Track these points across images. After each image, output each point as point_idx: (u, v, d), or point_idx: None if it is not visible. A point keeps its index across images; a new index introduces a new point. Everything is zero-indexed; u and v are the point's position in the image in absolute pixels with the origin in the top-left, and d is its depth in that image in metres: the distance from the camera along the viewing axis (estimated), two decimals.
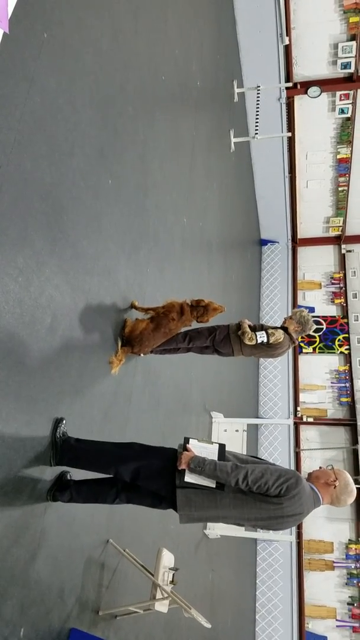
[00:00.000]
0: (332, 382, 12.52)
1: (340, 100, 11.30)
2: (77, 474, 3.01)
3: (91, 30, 3.45)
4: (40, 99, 2.74)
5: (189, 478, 2.59)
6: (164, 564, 3.65)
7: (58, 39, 2.96)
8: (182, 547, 5.34)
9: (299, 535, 10.59)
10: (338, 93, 11.20)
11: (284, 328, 4.40)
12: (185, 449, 2.75)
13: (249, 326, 4.36)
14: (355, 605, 10.30)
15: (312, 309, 13.34)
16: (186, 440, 2.80)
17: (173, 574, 3.66)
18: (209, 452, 2.74)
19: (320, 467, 2.92)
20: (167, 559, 3.74)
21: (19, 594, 2.51)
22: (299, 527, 10.59)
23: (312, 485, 2.74)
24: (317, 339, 12.95)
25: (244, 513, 2.63)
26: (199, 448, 2.75)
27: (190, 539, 5.84)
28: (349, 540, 10.80)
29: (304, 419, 11.91)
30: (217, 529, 6.61)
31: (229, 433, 7.27)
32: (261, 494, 2.60)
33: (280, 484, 2.57)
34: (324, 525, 10.94)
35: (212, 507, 2.63)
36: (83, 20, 3.32)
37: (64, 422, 2.93)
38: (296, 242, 14.51)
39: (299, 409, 12.18)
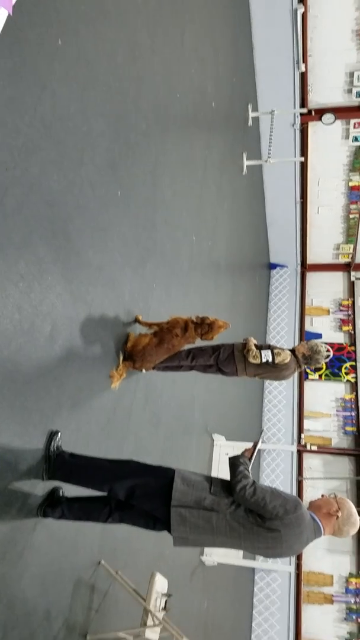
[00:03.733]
0: (337, 410, 12.33)
1: (355, 128, 11.36)
2: (70, 490, 2.90)
3: (107, 42, 3.45)
4: (51, 105, 2.71)
5: None
6: (157, 589, 3.51)
7: (73, 47, 2.95)
8: (177, 572, 5.17)
9: (299, 566, 10.31)
10: (352, 121, 11.26)
11: (292, 350, 4.30)
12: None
13: (255, 345, 4.27)
14: None
15: (319, 336, 13.23)
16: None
17: (166, 600, 3.52)
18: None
19: (322, 496, 2.79)
20: (161, 584, 3.60)
21: (2, 614, 2.40)
22: (299, 558, 10.32)
23: (312, 515, 2.61)
24: (324, 366, 12.81)
25: (240, 539, 2.51)
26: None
27: (185, 565, 5.67)
28: (350, 573, 10.51)
29: (308, 447, 11.70)
30: (214, 556, 6.42)
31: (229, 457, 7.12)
32: (258, 517, 2.48)
33: (277, 505, 2.46)
34: (324, 557, 10.66)
35: (208, 529, 2.52)
36: (99, 32, 3.32)
37: (59, 435, 2.84)
38: (305, 267, 14.47)
39: (302, 436, 11.98)
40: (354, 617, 10.13)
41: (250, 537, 2.49)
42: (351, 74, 10.59)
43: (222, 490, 2.62)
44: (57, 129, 2.78)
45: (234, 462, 2.73)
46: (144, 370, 4.12)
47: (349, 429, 11.96)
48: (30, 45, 2.51)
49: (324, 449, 11.74)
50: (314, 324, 13.80)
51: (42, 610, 2.73)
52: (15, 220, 2.42)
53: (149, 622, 3.35)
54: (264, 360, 4.15)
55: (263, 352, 4.19)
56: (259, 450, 2.95)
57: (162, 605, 3.49)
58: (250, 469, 2.74)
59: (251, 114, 9.92)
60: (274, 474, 11.17)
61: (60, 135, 2.82)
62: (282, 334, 13.51)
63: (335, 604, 10.34)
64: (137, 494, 2.62)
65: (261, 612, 10.17)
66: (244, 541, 2.52)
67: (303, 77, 10.65)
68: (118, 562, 3.66)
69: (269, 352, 4.17)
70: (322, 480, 11.34)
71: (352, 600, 10.25)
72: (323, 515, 2.63)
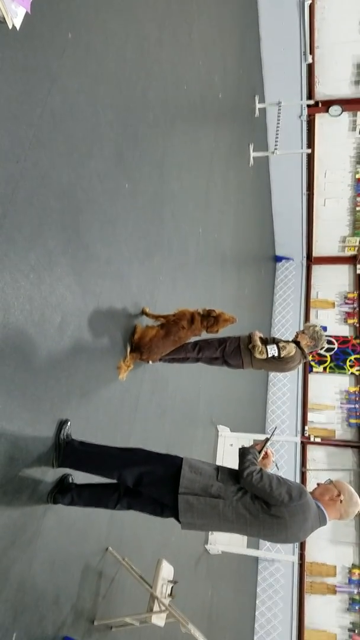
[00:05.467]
0: (341, 403, 12.36)
1: None
2: (79, 478, 2.96)
3: (116, 36, 3.47)
4: (61, 98, 2.74)
5: None
6: (163, 575, 3.58)
7: (82, 40, 2.97)
8: (182, 560, 5.24)
9: (302, 556, 10.39)
10: (359, 113, 11.21)
11: (296, 342, 4.34)
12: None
13: (260, 339, 4.30)
14: (356, 631, 10.06)
15: (324, 328, 13.23)
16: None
17: (172, 587, 3.58)
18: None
19: (318, 484, 2.84)
20: (167, 570, 3.66)
21: (13, 598, 2.45)
22: (302, 548, 10.40)
23: (317, 503, 2.66)
24: (328, 359, 12.83)
25: (246, 525, 2.56)
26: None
27: (191, 553, 5.74)
28: (353, 564, 10.58)
29: (312, 439, 11.75)
30: (218, 544, 6.49)
31: (235, 448, 7.18)
32: (263, 504, 2.53)
33: (282, 492, 2.51)
34: (328, 547, 10.74)
35: (215, 515, 2.57)
36: (108, 25, 3.34)
37: (69, 424, 2.89)
38: (311, 260, 14.45)
39: (306, 428, 12.03)
40: (357, 607, 10.21)
41: (256, 523, 2.54)
42: (359, 66, 10.54)
43: (228, 478, 2.67)
44: (66, 121, 2.81)
45: (244, 451, 2.78)
46: (150, 362, 4.16)
47: (353, 421, 12.00)
48: (41, 39, 2.54)
49: (327, 441, 11.80)
50: (319, 317, 13.81)
51: (51, 595, 2.79)
52: (26, 212, 2.46)
53: (155, 608, 3.41)
54: (270, 355, 4.19)
55: (269, 347, 4.23)
56: (271, 444, 2.99)
57: (168, 591, 3.55)
58: (258, 460, 2.79)
59: (258, 106, 9.90)
60: (280, 464, 11.23)
61: (70, 128, 2.85)
62: (287, 327, 13.52)
63: (338, 594, 10.43)
64: (145, 481, 2.68)
65: (264, 602, 10.27)
66: (249, 527, 2.57)
67: (310, 68, 10.61)
68: (125, 549, 3.72)
69: (275, 346, 4.20)
70: (326, 471, 11.40)
71: (355, 591, 10.33)
72: (326, 503, 2.68)
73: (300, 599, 10.33)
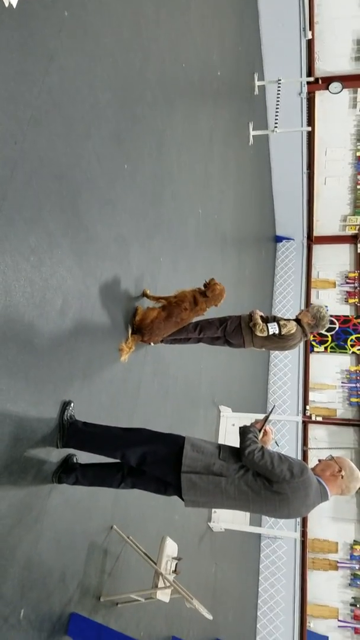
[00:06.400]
0: (342, 382, 12.43)
1: None
2: (83, 458, 2.99)
3: (113, 14, 3.41)
4: (59, 78, 2.71)
5: None
6: (167, 552, 3.63)
7: (79, 18, 2.93)
8: (185, 538, 5.32)
9: (304, 533, 10.53)
10: None
11: (297, 320, 4.35)
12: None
13: (261, 317, 4.31)
14: (358, 606, 10.24)
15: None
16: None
17: (176, 564, 3.64)
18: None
19: (319, 461, 2.87)
20: (171, 547, 3.72)
21: (20, 575, 2.50)
22: (304, 525, 10.54)
23: (319, 479, 2.70)
24: (330, 339, 12.86)
25: (249, 501, 2.60)
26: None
27: (194, 531, 5.82)
28: (354, 540, 10.74)
29: (313, 418, 11.84)
30: (221, 522, 6.58)
31: (237, 428, 7.23)
32: (265, 481, 2.57)
33: (284, 469, 2.54)
34: (329, 524, 10.88)
35: (217, 493, 2.60)
36: (105, 3, 3.28)
37: (72, 405, 2.91)
38: (312, 239, 14.39)
39: (308, 407, 12.11)
40: (359, 582, 10.38)
41: (258, 500, 2.58)
42: (358, 42, 10.39)
43: (230, 456, 2.70)
44: (64, 101, 2.78)
45: (244, 430, 2.81)
46: (152, 344, 4.17)
47: (354, 400, 12.07)
48: (38, 18, 2.50)
49: (328, 420, 11.89)
50: (320, 297, 13.81)
51: (57, 573, 2.84)
52: (26, 194, 2.45)
53: (160, 584, 3.47)
54: (270, 332, 4.20)
55: (270, 325, 4.24)
56: (270, 422, 3.01)
57: (173, 568, 3.61)
58: (259, 438, 2.82)
59: (257, 83, 9.77)
60: (280, 444, 11.33)
61: (68, 108, 2.82)
62: (287, 307, 13.53)
63: (340, 570, 10.60)
64: (149, 460, 2.71)
65: (267, 578, 10.44)
66: (252, 504, 2.61)
67: (310, 44, 10.46)
68: (129, 528, 3.78)
69: (275, 324, 4.21)
70: (327, 450, 11.50)
71: (357, 566, 10.50)
72: (328, 478, 2.72)
73: (303, 575, 10.50)
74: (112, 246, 3.51)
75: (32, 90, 2.46)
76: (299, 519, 10.24)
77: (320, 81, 10.87)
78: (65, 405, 2.87)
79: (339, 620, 10.22)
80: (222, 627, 6.92)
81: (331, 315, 12.94)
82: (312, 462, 11.23)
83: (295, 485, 2.53)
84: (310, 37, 10.16)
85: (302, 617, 10.18)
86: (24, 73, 2.40)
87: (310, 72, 10.80)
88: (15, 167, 2.36)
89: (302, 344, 4.61)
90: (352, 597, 10.39)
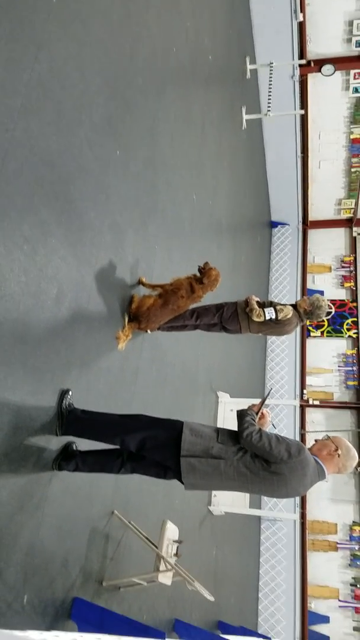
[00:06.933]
0: (339, 366, 12.49)
1: (355, 79, 11.11)
2: (83, 445, 3.01)
3: None
4: (48, 65, 2.69)
5: None
6: (168, 536, 3.67)
7: (67, 5, 2.90)
8: (186, 522, 5.37)
9: (303, 515, 10.65)
10: (352, 72, 11.01)
11: (294, 305, 4.37)
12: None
13: (257, 302, 4.32)
14: (358, 586, 10.38)
15: (321, 292, 13.25)
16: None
17: (177, 547, 3.68)
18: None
19: (315, 440, 2.92)
20: (172, 531, 3.76)
21: (23, 561, 2.53)
22: (303, 507, 10.65)
23: (316, 459, 2.74)
24: (326, 323, 12.90)
25: (248, 482, 2.64)
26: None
27: (194, 515, 5.88)
28: (353, 522, 10.85)
29: (310, 402, 11.91)
30: (221, 505, 6.64)
31: (235, 413, 7.26)
32: (263, 462, 2.60)
33: (281, 450, 2.59)
34: (328, 506, 10.99)
35: (217, 475, 2.64)
36: None
37: (70, 393, 2.93)
38: (307, 224, 14.37)
39: (305, 391, 12.18)
40: (359, 563, 10.51)
41: (257, 480, 2.62)
42: (350, 23, 10.29)
43: (228, 439, 2.74)
44: (54, 88, 2.76)
45: (242, 413, 2.85)
46: (149, 331, 4.18)
47: (350, 383, 12.14)
48: (26, 4, 2.48)
49: (326, 403, 11.97)
50: (315, 282, 13.82)
51: (59, 558, 2.88)
52: (18, 183, 2.44)
53: (162, 567, 3.51)
54: (267, 317, 4.22)
55: (266, 310, 4.26)
56: (267, 406, 3.05)
57: (174, 551, 3.65)
58: (256, 420, 2.85)
59: (249, 67, 9.69)
60: (277, 427, 11.42)
61: (58, 94, 2.81)
62: (284, 293, 13.53)
63: (339, 551, 10.72)
64: (148, 445, 2.73)
65: (268, 560, 10.56)
66: (251, 485, 2.65)
67: (301, 27, 10.36)
68: (130, 512, 3.81)
69: (272, 309, 4.23)
70: (325, 433, 11.58)
71: (357, 547, 10.62)
72: (324, 457, 2.77)
73: (303, 556, 10.63)
74: (106, 234, 3.51)
75: (21, 78, 2.44)
76: (297, 501, 10.35)
77: (312, 64, 10.77)
78: (64, 393, 2.88)
79: (339, 600, 10.37)
80: (224, 609, 7.01)
81: (327, 300, 12.97)
82: (310, 445, 11.35)
83: (293, 465, 2.57)
84: (301, 19, 10.05)
85: (303, 598, 10.32)
86: (13, 61, 2.38)
87: (302, 55, 10.70)
88: (7, 155, 2.35)
89: (298, 329, 4.62)
90: (352, 577, 10.53)
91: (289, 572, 10.44)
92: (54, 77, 2.76)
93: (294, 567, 10.49)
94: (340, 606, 10.33)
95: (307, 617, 10.19)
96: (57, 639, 2.22)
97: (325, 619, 10.28)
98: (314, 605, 10.40)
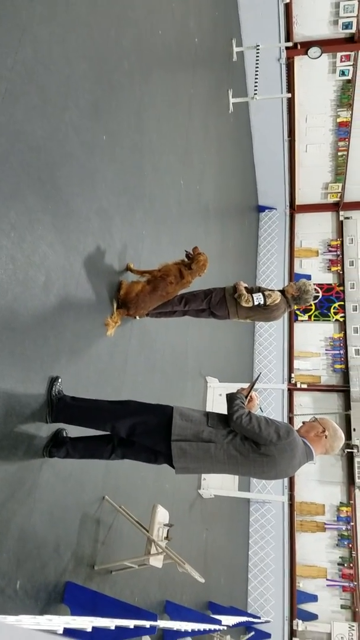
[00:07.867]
0: (326, 350, 12.59)
1: (341, 61, 11.06)
2: (73, 431, 3.03)
3: None
4: (32, 49, 2.65)
5: None
6: (159, 519, 3.72)
7: None
8: (176, 505, 5.43)
9: (291, 497, 10.81)
10: (339, 54, 10.95)
11: (282, 291, 4.39)
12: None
13: (245, 288, 4.34)
14: (345, 565, 10.58)
15: (308, 277, 13.31)
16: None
17: (167, 530, 3.73)
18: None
19: (303, 422, 2.97)
20: (162, 515, 3.81)
21: (15, 548, 2.55)
22: (292, 489, 10.80)
23: (304, 440, 2.79)
24: (313, 307, 12.97)
25: (238, 465, 2.68)
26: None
27: (184, 498, 5.95)
28: (340, 502, 11.03)
29: (298, 385, 12.02)
30: (211, 489, 6.72)
31: (224, 397, 7.31)
32: (253, 444, 2.64)
33: (271, 432, 2.63)
34: (316, 488, 11.16)
35: (207, 458, 2.68)
36: None
37: (60, 380, 2.93)
38: (294, 208, 14.37)
39: (293, 375, 12.28)
40: (346, 542, 10.71)
41: (247, 463, 2.66)
42: (337, 5, 10.21)
43: (218, 422, 2.77)
44: (39, 73, 2.72)
45: (231, 396, 2.88)
46: (137, 317, 4.19)
47: (337, 366, 12.26)
48: None
49: (313, 387, 12.09)
50: (303, 266, 13.86)
51: (51, 544, 2.90)
52: (3, 169, 2.42)
53: (153, 550, 3.56)
54: (255, 303, 4.24)
55: (255, 296, 4.28)
56: (256, 390, 3.07)
57: (164, 534, 3.70)
58: (245, 404, 2.88)
59: (235, 49, 9.60)
60: (266, 411, 11.52)
61: (43, 79, 2.77)
62: (271, 277, 13.57)
63: (327, 532, 10.91)
64: (138, 431, 2.75)
65: (257, 542, 10.72)
66: (241, 467, 2.69)
67: (288, 8, 10.26)
68: (121, 497, 3.85)
69: (260, 294, 4.25)
70: (312, 415, 11.69)
71: (344, 527, 10.81)
72: (312, 439, 2.83)
73: (291, 537, 10.81)
74: (93, 220, 3.49)
75: (5, 63, 2.40)
76: (286, 483, 10.49)
77: (299, 46, 10.69)
78: (53, 380, 2.89)
79: (327, 580, 10.57)
80: (215, 590, 7.13)
81: (315, 284, 13.04)
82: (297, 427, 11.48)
83: (282, 446, 2.61)
84: (288, 0, 9.96)
85: (291, 578, 10.51)
86: None
87: (288, 37, 10.62)
88: None
89: (286, 314, 4.65)
90: (340, 557, 10.73)
91: (278, 553, 10.62)
92: (39, 61, 2.72)
93: (282, 548, 10.66)
94: (328, 585, 10.54)
95: (296, 596, 10.39)
96: (51, 623, 2.26)
97: (313, 598, 10.49)
98: (303, 585, 10.60)
